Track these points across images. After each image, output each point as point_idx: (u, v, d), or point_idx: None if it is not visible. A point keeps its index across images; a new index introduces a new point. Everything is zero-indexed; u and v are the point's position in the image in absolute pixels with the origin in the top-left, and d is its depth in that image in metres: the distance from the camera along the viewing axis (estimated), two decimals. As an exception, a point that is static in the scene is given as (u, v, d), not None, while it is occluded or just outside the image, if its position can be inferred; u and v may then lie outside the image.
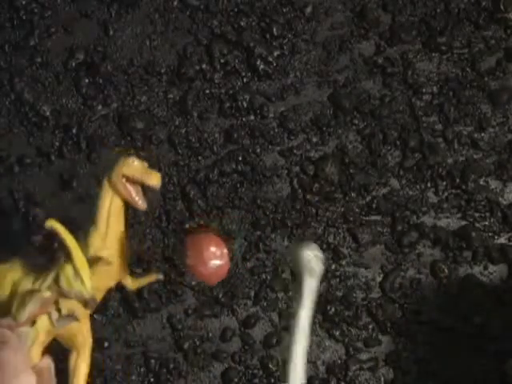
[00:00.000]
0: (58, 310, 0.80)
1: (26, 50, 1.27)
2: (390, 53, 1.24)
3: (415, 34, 1.25)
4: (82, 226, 1.23)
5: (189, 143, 1.23)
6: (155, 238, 1.20)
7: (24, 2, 1.28)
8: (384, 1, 1.26)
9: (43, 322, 0.84)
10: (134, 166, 0.87)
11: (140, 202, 0.86)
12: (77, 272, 0.77)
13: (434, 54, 1.24)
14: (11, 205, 1.23)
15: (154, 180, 0.86)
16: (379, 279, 1.20)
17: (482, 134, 1.22)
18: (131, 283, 0.90)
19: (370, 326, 1.19)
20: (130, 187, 0.86)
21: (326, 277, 1.19)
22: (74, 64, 1.26)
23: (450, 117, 1.22)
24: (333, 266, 1.20)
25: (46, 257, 1.18)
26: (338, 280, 1.19)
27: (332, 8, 1.26)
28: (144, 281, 0.91)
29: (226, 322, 1.20)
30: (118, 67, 1.26)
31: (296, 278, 0.86)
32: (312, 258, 0.86)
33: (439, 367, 1.17)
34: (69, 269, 0.77)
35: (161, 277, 0.91)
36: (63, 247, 0.79)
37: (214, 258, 0.88)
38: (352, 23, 1.26)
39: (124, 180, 0.87)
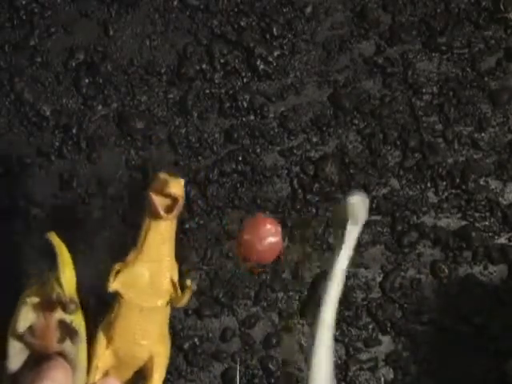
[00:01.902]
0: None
1: (26, 50, 1.27)
2: (390, 53, 1.24)
3: (415, 34, 1.25)
4: (82, 226, 1.24)
5: (189, 143, 1.23)
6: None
7: (24, 2, 1.28)
8: (384, 1, 1.26)
9: (99, 347, 0.83)
10: (159, 179, 0.87)
11: (162, 213, 0.86)
12: (57, 276, 0.77)
13: (434, 54, 1.24)
14: (11, 205, 1.23)
15: (174, 188, 0.85)
16: (379, 279, 1.20)
17: (482, 134, 1.22)
18: (175, 301, 0.89)
19: (370, 326, 1.19)
20: (154, 199, 0.86)
21: (326, 277, 1.19)
22: (73, 64, 1.26)
23: (450, 117, 1.22)
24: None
25: (46, 258, 1.18)
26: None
27: (332, 8, 1.26)
28: (185, 297, 0.89)
29: (226, 322, 1.20)
30: (117, 67, 1.26)
31: (336, 225, 0.86)
32: (357, 204, 0.85)
33: (439, 367, 1.17)
34: (51, 276, 0.78)
35: (195, 287, 0.90)
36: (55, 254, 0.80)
37: (269, 234, 0.88)
38: (352, 23, 1.26)
39: (152, 194, 0.86)
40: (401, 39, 1.25)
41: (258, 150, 1.23)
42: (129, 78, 1.26)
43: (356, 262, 1.20)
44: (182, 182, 0.88)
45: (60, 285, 0.77)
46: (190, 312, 1.20)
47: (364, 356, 1.19)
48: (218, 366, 1.19)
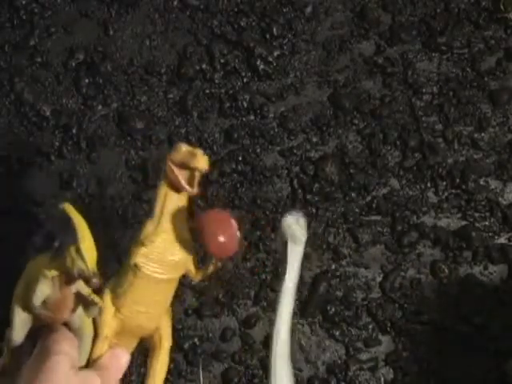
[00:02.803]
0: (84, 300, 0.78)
1: (26, 49, 1.27)
2: (390, 53, 1.24)
3: (415, 33, 1.25)
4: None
5: (189, 143, 1.23)
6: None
7: (24, 2, 1.28)
8: (384, 1, 1.26)
9: (106, 315, 0.82)
10: (181, 151, 0.84)
11: (187, 187, 0.84)
12: (78, 250, 0.75)
13: (434, 54, 1.24)
14: (11, 205, 1.23)
15: (200, 162, 0.82)
16: (379, 279, 1.20)
17: (482, 134, 1.22)
18: (195, 274, 0.88)
19: (370, 326, 1.19)
20: (177, 172, 0.84)
21: (326, 277, 1.19)
22: (73, 64, 1.26)
23: (449, 117, 1.22)
24: (333, 266, 1.20)
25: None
26: (338, 280, 1.19)
27: (332, 8, 1.26)
28: (206, 271, 0.88)
29: (226, 322, 1.20)
30: (117, 67, 1.26)
31: (283, 247, 0.87)
32: (292, 224, 0.86)
33: (439, 367, 1.17)
34: (72, 249, 0.75)
35: (220, 264, 0.88)
36: (73, 229, 0.78)
37: (235, 229, 0.87)
38: (352, 23, 1.26)
39: (172, 165, 0.84)
40: (401, 39, 1.25)
41: (258, 150, 1.23)
42: (129, 78, 1.26)
43: (356, 262, 1.20)
44: (206, 157, 0.84)
45: (82, 257, 0.75)
46: (189, 312, 1.20)
47: (364, 356, 1.19)
48: (218, 365, 1.19)
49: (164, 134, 1.24)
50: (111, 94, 1.25)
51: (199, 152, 0.83)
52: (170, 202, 0.84)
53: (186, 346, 1.19)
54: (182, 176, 0.83)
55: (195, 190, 0.84)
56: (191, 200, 0.87)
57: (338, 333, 1.18)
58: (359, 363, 1.18)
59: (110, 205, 1.23)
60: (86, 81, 1.25)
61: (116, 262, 1.19)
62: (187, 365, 1.19)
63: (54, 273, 0.76)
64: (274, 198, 1.22)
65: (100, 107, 1.25)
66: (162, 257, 0.83)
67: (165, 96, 1.25)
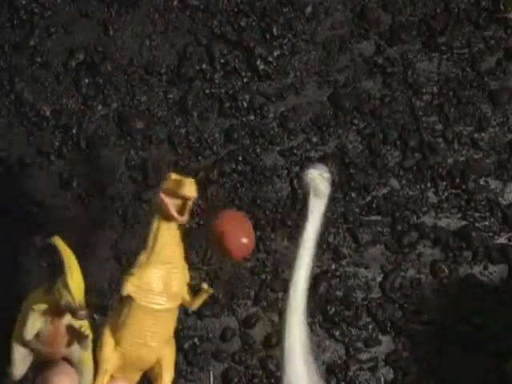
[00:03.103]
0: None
1: (26, 49, 1.27)
2: (390, 53, 1.24)
3: (415, 34, 1.25)
4: (82, 226, 1.23)
5: (189, 143, 1.23)
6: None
7: (24, 2, 1.28)
8: (384, 1, 1.25)
9: (105, 349, 0.83)
10: (170, 180, 0.87)
11: (177, 216, 0.86)
12: (65, 284, 0.77)
13: (434, 54, 1.24)
14: (11, 205, 1.23)
15: (188, 190, 0.85)
16: (379, 279, 1.20)
17: (482, 134, 1.22)
18: (190, 303, 0.90)
19: (370, 326, 1.19)
20: (167, 201, 0.86)
21: (326, 277, 1.19)
22: (73, 64, 1.26)
23: (449, 117, 1.22)
24: (333, 266, 1.20)
25: (46, 258, 1.18)
26: (338, 280, 1.19)
27: (332, 8, 1.26)
28: (200, 299, 0.90)
29: (226, 322, 1.19)
30: (117, 67, 1.26)
31: (306, 201, 0.88)
32: (316, 177, 0.87)
33: (439, 367, 1.17)
34: (60, 282, 0.78)
35: (211, 291, 0.91)
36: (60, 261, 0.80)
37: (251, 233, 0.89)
38: (352, 23, 1.26)
39: (163, 195, 0.86)
40: (401, 39, 1.25)
41: (258, 150, 1.23)
42: (129, 78, 1.26)
43: (356, 262, 1.20)
44: (194, 183, 0.87)
45: (68, 291, 0.77)
46: (189, 312, 1.19)
47: (364, 356, 1.18)
48: (218, 366, 1.19)
49: (164, 133, 1.24)
50: (111, 93, 1.25)
51: (188, 180, 0.86)
52: (163, 232, 0.87)
53: (186, 345, 1.19)
54: (172, 205, 0.86)
55: (185, 219, 0.86)
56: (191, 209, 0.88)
57: (337, 333, 1.18)
58: (359, 363, 1.18)
59: (109, 205, 1.23)
60: (86, 81, 1.25)
61: (116, 262, 1.19)
62: (187, 365, 1.19)
63: (42, 306, 0.79)
64: (274, 198, 1.22)
65: (100, 107, 1.25)
66: (157, 287, 0.85)
67: (165, 96, 1.25)
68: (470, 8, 1.25)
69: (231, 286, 1.18)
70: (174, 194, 0.86)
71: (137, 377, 0.88)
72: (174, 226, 0.87)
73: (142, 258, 0.87)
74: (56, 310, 0.78)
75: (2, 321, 1.09)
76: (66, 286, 0.78)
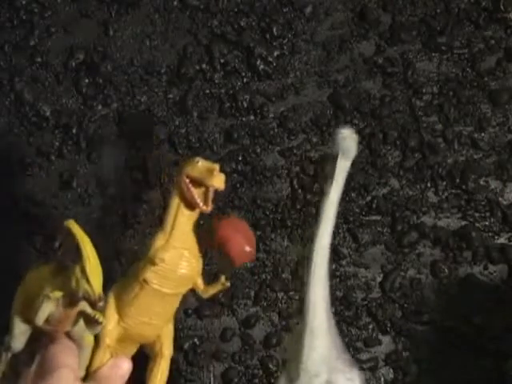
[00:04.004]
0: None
1: (26, 49, 1.27)
2: (390, 53, 1.24)
3: (415, 34, 1.25)
4: (82, 226, 1.23)
5: (189, 143, 1.23)
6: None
7: (24, 2, 1.28)
8: (384, 1, 1.25)
9: (108, 324, 0.81)
10: (197, 166, 0.82)
11: (202, 205, 0.82)
12: (83, 271, 0.74)
13: (434, 54, 1.24)
14: (11, 205, 1.23)
15: (217, 182, 0.81)
16: (379, 279, 1.20)
17: (482, 134, 1.22)
18: (202, 290, 0.87)
19: (370, 326, 1.19)
20: (191, 188, 0.82)
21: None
22: (73, 64, 1.26)
23: (450, 117, 1.22)
24: (333, 266, 1.20)
25: (46, 258, 1.18)
26: (338, 280, 1.19)
27: (332, 8, 1.26)
28: (214, 289, 0.88)
29: (226, 322, 1.20)
30: (118, 67, 1.26)
31: (332, 161, 0.88)
32: (348, 136, 0.88)
33: (439, 367, 1.17)
34: (78, 269, 0.74)
35: (228, 284, 0.88)
36: (76, 247, 0.76)
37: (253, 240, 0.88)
38: (352, 23, 1.26)
39: (188, 181, 0.81)
40: (401, 39, 1.25)
41: (258, 150, 1.23)
42: (129, 78, 1.26)
43: (356, 262, 1.20)
44: (223, 177, 0.82)
45: (87, 280, 0.72)
46: (190, 312, 1.20)
47: (364, 356, 1.19)
48: (218, 366, 1.19)
49: (164, 133, 1.24)
50: (111, 94, 1.25)
51: (216, 169, 0.82)
52: (182, 217, 0.83)
53: (186, 345, 1.19)
54: (196, 193, 0.82)
55: (209, 208, 0.82)
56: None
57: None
58: (359, 363, 1.18)
59: (109, 205, 1.23)
60: (86, 81, 1.25)
61: (116, 262, 1.19)
62: (187, 365, 1.19)
63: (57, 294, 0.75)
64: (274, 198, 1.22)
65: (100, 107, 1.25)
66: (170, 272, 0.82)
67: (165, 96, 1.25)
68: (470, 8, 1.25)
69: (231, 286, 1.18)
70: (199, 181, 0.81)
71: (134, 349, 0.87)
72: (194, 212, 0.84)
73: (159, 241, 0.83)
74: (71, 298, 0.75)
75: (1, 321, 1.09)
76: (84, 274, 0.73)
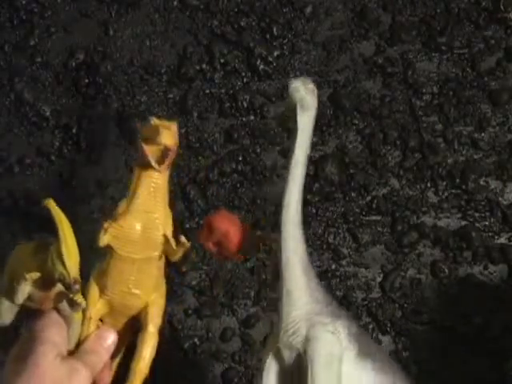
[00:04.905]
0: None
1: (26, 49, 1.27)
2: (390, 53, 1.24)
3: (415, 34, 1.25)
4: (82, 226, 1.23)
5: (189, 143, 1.23)
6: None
7: (24, 2, 1.28)
8: (384, 1, 1.25)
9: (90, 296, 0.80)
10: (150, 125, 0.79)
11: (154, 163, 0.80)
12: (59, 253, 0.71)
13: (434, 54, 1.24)
14: (11, 205, 1.23)
15: (164, 137, 0.78)
16: (379, 279, 1.20)
17: (482, 134, 1.22)
18: (172, 254, 0.85)
19: (370, 326, 1.19)
20: (144, 146, 0.81)
21: (326, 277, 1.19)
22: (73, 64, 1.26)
23: (450, 117, 1.22)
24: (333, 266, 1.20)
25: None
26: (338, 280, 1.19)
27: (332, 8, 1.26)
28: (179, 252, 0.85)
29: (226, 322, 1.20)
30: (117, 67, 1.26)
31: (292, 117, 0.83)
32: (300, 87, 0.83)
33: (439, 367, 1.17)
34: (54, 250, 0.73)
35: (188, 244, 0.85)
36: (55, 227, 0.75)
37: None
38: (352, 23, 1.26)
39: (140, 140, 0.79)
40: (401, 39, 1.25)
41: (258, 150, 1.23)
42: (129, 78, 1.26)
43: (356, 262, 1.20)
44: (174, 129, 0.79)
45: (62, 263, 0.72)
46: (190, 312, 1.20)
47: (364, 356, 1.18)
48: (218, 365, 1.19)
49: (164, 133, 1.24)
50: (111, 94, 1.25)
51: (164, 126, 0.79)
52: (142, 180, 0.82)
53: (186, 345, 1.19)
54: (150, 152, 0.79)
55: (162, 168, 0.80)
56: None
57: (338, 333, 1.18)
58: (359, 363, 1.18)
59: (109, 205, 1.23)
60: (86, 81, 1.25)
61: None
62: (187, 365, 1.19)
63: (35, 275, 0.74)
64: (274, 198, 1.22)
65: (100, 107, 1.25)
66: (135, 236, 0.81)
67: (165, 96, 1.25)
68: (470, 8, 1.25)
69: (231, 286, 1.18)
70: (152, 141, 0.78)
71: (123, 322, 0.85)
72: (154, 174, 0.82)
73: (120, 207, 0.82)
74: (48, 279, 0.74)
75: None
76: (59, 256, 0.72)
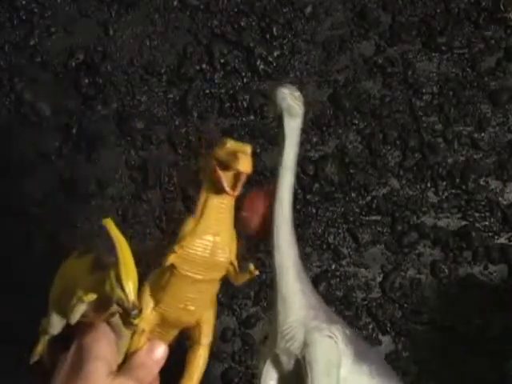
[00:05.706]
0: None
1: (26, 49, 1.27)
2: (390, 53, 1.24)
3: (415, 34, 1.25)
4: (82, 226, 1.24)
5: (189, 143, 1.23)
6: (155, 238, 1.20)
7: (24, 2, 1.28)
8: (384, 1, 1.25)
9: (146, 311, 0.79)
10: (225, 148, 0.77)
11: (228, 189, 0.77)
12: (118, 277, 0.69)
13: (434, 54, 1.24)
14: (11, 205, 1.23)
15: (242, 165, 0.76)
16: (379, 279, 1.20)
17: (482, 134, 1.22)
18: (234, 278, 0.85)
19: (370, 326, 1.19)
20: (218, 171, 0.77)
21: (326, 277, 1.19)
22: (73, 64, 1.26)
23: (450, 117, 1.22)
24: (333, 266, 1.20)
25: (47, 259, 1.18)
26: (338, 280, 1.19)
27: (332, 8, 1.26)
28: (244, 277, 0.85)
29: (226, 322, 1.19)
30: (117, 67, 1.26)
31: (279, 123, 0.84)
32: (287, 95, 0.83)
33: (439, 367, 1.17)
34: (113, 274, 0.71)
35: (257, 272, 0.85)
36: (113, 249, 0.73)
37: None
38: (352, 23, 1.26)
39: (214, 164, 0.77)
40: (401, 39, 1.25)
41: (258, 150, 1.23)
42: (129, 78, 1.26)
43: (356, 262, 1.20)
44: (250, 153, 0.78)
45: (121, 287, 0.69)
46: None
47: (364, 356, 1.18)
48: (218, 365, 1.19)
49: (164, 133, 1.24)
50: (111, 94, 1.25)
51: (243, 151, 0.77)
52: (211, 202, 0.81)
53: (186, 345, 1.19)
54: (224, 178, 0.77)
55: (236, 193, 0.80)
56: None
57: (338, 333, 1.18)
58: (359, 363, 1.18)
59: (109, 205, 1.23)
60: (86, 81, 1.25)
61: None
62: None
63: (91, 297, 0.72)
64: (274, 198, 1.21)
65: (100, 107, 1.25)
66: (198, 258, 0.81)
67: (165, 96, 1.25)
68: (470, 8, 1.25)
69: (231, 286, 1.18)
70: (227, 165, 0.77)
71: (174, 334, 0.86)
72: (223, 198, 0.81)
73: (187, 227, 0.81)
74: (105, 300, 0.72)
75: (2, 321, 1.09)
76: (118, 280, 0.69)
